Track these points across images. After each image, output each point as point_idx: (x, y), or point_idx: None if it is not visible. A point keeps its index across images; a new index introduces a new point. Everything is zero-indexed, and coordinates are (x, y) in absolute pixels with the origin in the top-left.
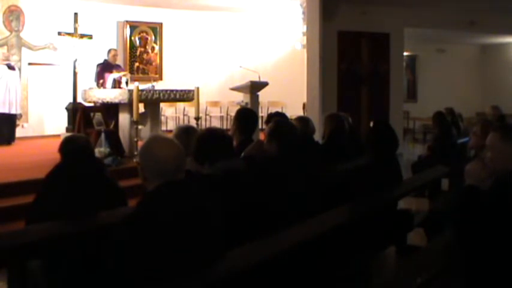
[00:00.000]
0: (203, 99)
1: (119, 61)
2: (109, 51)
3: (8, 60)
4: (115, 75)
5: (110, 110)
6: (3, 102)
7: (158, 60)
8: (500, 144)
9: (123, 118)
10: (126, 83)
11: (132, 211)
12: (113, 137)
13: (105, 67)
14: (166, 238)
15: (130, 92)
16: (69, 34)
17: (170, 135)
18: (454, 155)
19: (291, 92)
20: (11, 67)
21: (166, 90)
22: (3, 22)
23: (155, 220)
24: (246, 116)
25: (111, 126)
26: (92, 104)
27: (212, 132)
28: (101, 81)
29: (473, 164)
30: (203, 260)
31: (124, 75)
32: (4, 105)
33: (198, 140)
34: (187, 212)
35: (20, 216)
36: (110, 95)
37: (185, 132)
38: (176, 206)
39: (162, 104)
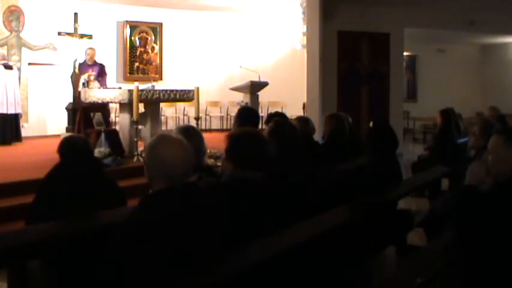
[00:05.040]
0: (203, 99)
1: (119, 61)
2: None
3: (5, 59)
4: (84, 78)
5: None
6: (0, 103)
7: (158, 60)
8: (503, 149)
9: (123, 118)
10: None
11: (131, 213)
12: (113, 137)
13: (81, 68)
14: (166, 240)
15: (131, 92)
16: (69, 34)
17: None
18: (454, 155)
19: (291, 92)
20: (8, 67)
21: (166, 90)
22: (3, 22)
23: (155, 222)
24: (246, 115)
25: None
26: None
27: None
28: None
29: (477, 165)
30: (203, 262)
31: (89, 75)
32: (2, 105)
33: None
34: (187, 216)
35: (20, 216)
36: (110, 95)
37: (185, 132)
38: (177, 211)
39: (162, 104)
